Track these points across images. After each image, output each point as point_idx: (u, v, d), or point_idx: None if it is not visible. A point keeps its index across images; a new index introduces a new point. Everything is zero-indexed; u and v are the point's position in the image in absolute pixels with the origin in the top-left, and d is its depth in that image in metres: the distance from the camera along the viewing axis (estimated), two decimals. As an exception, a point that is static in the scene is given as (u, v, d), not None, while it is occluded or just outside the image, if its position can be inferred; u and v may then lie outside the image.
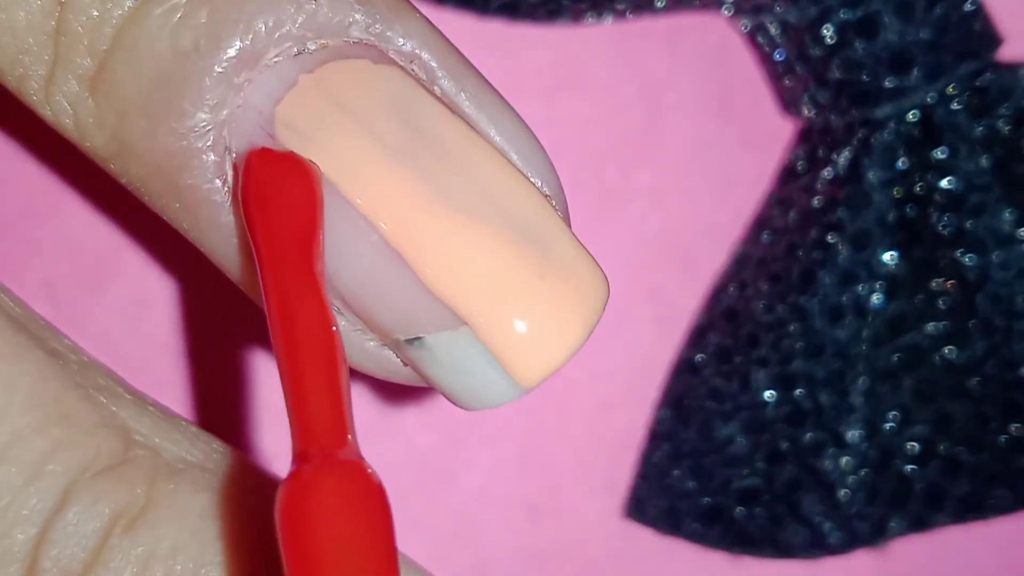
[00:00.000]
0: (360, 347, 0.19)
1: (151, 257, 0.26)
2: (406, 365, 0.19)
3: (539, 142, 0.19)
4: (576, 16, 0.25)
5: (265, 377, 0.26)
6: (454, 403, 0.19)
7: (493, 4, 0.25)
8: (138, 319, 0.26)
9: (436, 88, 0.18)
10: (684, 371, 0.26)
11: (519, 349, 0.18)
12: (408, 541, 0.27)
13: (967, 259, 0.25)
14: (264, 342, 0.26)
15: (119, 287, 0.26)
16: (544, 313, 0.18)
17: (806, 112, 0.25)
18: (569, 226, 0.19)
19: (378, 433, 0.26)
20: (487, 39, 0.26)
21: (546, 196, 0.19)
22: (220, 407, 0.26)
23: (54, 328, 0.19)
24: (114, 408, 0.18)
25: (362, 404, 0.26)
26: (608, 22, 0.26)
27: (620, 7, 0.25)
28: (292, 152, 0.17)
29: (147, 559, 0.18)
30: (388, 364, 0.19)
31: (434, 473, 0.26)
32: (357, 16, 0.18)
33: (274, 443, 0.26)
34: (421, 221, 0.17)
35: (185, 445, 0.19)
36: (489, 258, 0.18)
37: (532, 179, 0.19)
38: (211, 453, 0.19)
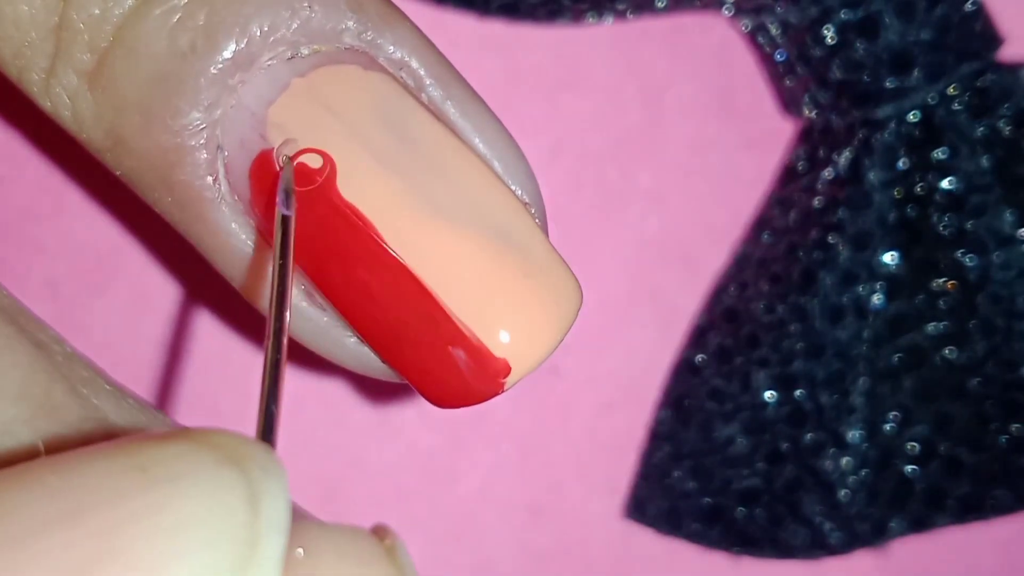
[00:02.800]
0: (340, 343, 0.20)
1: (151, 257, 0.26)
2: (383, 362, 0.19)
3: (520, 151, 0.20)
4: (576, 16, 0.25)
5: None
6: (429, 400, 0.19)
7: (494, 4, 0.25)
8: (138, 319, 0.26)
9: (423, 96, 0.19)
10: (684, 371, 0.26)
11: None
12: (409, 541, 0.27)
13: (968, 260, 0.25)
14: (262, 342, 0.26)
15: (120, 287, 0.26)
16: (519, 320, 0.18)
17: (807, 112, 0.25)
18: (547, 233, 0.19)
19: (378, 433, 0.26)
20: (487, 39, 0.26)
21: (525, 204, 0.19)
22: (220, 407, 0.26)
23: (38, 318, 0.19)
24: (96, 401, 0.19)
25: (363, 404, 0.26)
26: (608, 22, 0.26)
27: (620, 7, 0.25)
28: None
29: None
30: (366, 359, 0.20)
31: (435, 474, 0.26)
32: (350, 23, 0.19)
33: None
34: (405, 224, 0.18)
35: None
36: (468, 262, 0.18)
37: (512, 187, 0.19)
38: None
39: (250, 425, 0.26)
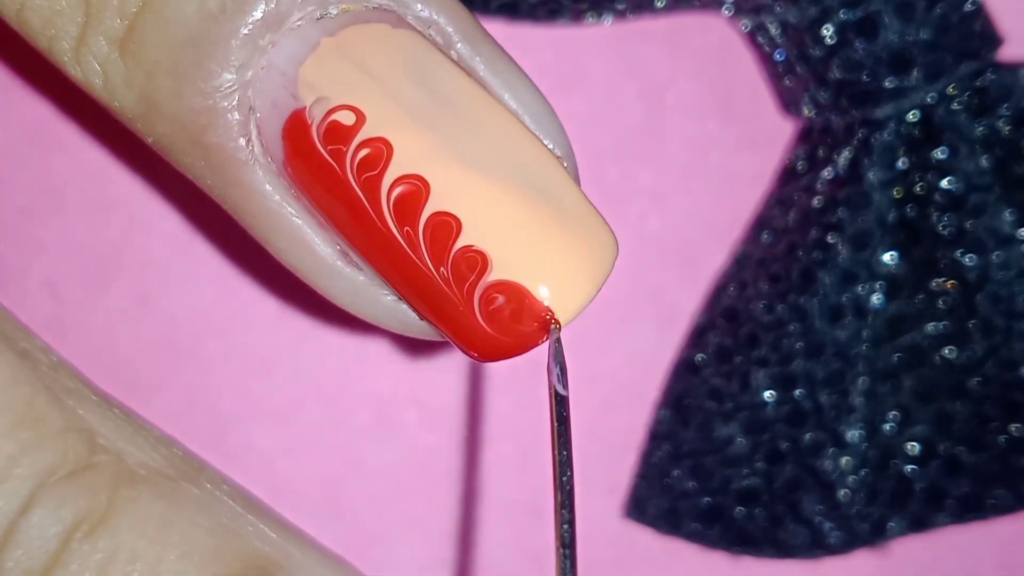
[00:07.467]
0: (377, 302, 0.20)
1: (151, 257, 0.26)
2: (421, 319, 0.19)
3: (551, 106, 0.20)
4: (576, 16, 0.25)
5: (264, 378, 0.26)
6: (469, 354, 0.19)
7: (493, 4, 0.25)
8: (138, 319, 0.26)
9: (452, 53, 0.19)
10: (684, 371, 0.26)
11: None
12: (408, 541, 0.27)
13: (967, 259, 0.25)
14: (262, 342, 0.26)
15: (120, 287, 0.26)
16: (558, 271, 0.18)
17: (806, 112, 0.25)
18: (580, 186, 0.19)
19: (379, 433, 0.26)
20: (487, 39, 0.26)
21: (558, 158, 0.19)
22: (219, 407, 0.26)
23: (24, 326, 0.19)
24: (80, 411, 0.19)
25: (362, 404, 0.26)
26: (608, 22, 0.26)
27: (620, 7, 0.25)
28: None
29: (105, 564, 0.18)
30: (404, 317, 0.20)
31: (435, 473, 0.26)
32: None
33: (272, 443, 0.26)
34: (442, 177, 0.18)
35: (147, 450, 0.19)
36: (505, 214, 0.18)
37: (544, 141, 0.19)
38: (172, 459, 0.19)
39: (243, 425, 0.26)
